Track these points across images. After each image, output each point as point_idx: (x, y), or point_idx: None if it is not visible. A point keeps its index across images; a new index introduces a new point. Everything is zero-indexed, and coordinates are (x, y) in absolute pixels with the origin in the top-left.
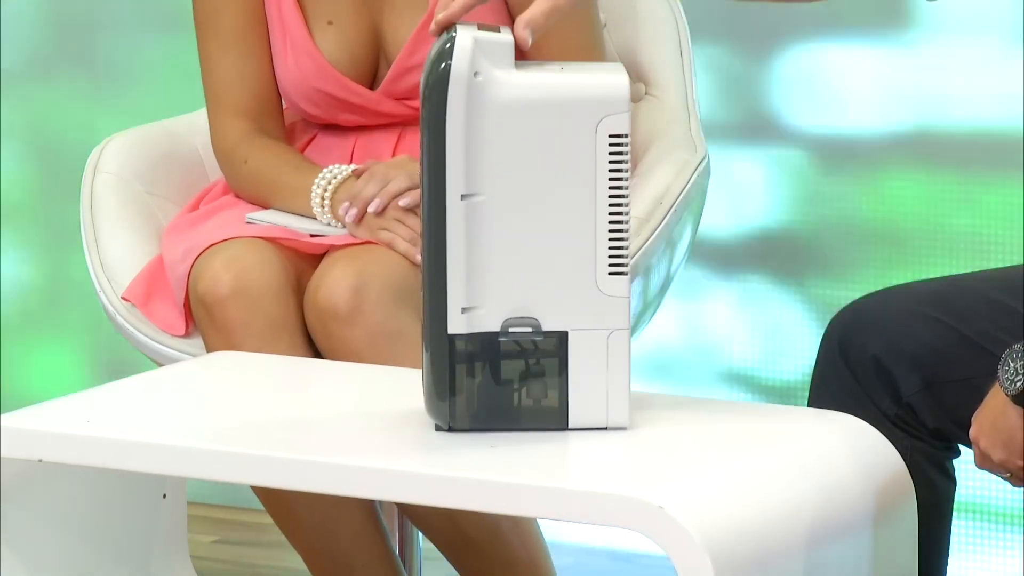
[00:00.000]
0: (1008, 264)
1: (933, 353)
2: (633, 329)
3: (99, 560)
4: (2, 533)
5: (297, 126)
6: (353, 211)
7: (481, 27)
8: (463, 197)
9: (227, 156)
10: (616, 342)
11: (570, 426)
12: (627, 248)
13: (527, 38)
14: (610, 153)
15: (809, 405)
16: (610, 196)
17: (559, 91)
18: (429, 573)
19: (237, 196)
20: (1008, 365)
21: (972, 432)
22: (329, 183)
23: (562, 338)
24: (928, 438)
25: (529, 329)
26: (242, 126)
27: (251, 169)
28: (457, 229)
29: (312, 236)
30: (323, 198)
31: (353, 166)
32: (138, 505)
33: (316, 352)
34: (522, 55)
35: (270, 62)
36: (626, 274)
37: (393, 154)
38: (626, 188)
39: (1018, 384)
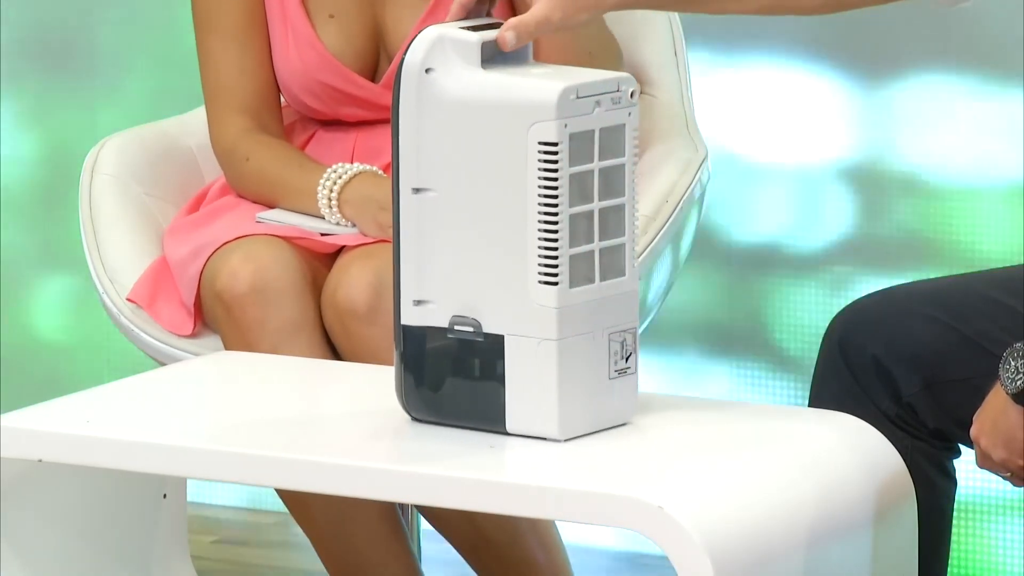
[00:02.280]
0: (1008, 264)
1: (933, 353)
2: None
3: (99, 560)
4: (2, 533)
5: (296, 125)
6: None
7: (482, 25)
8: (415, 191)
9: (228, 154)
10: (544, 352)
11: (508, 431)
12: (557, 259)
13: (507, 40)
14: (540, 161)
15: (809, 405)
16: (540, 205)
17: (493, 93)
18: (430, 574)
19: (239, 195)
20: (1009, 364)
21: (973, 431)
22: (335, 183)
23: (500, 342)
24: (928, 438)
25: (471, 329)
26: (242, 123)
27: (253, 167)
28: (409, 222)
29: (322, 235)
30: (330, 199)
31: (358, 165)
32: (138, 505)
33: (333, 350)
34: (541, 56)
35: (270, 58)
36: (556, 284)
37: None
38: (556, 198)
39: (1018, 383)
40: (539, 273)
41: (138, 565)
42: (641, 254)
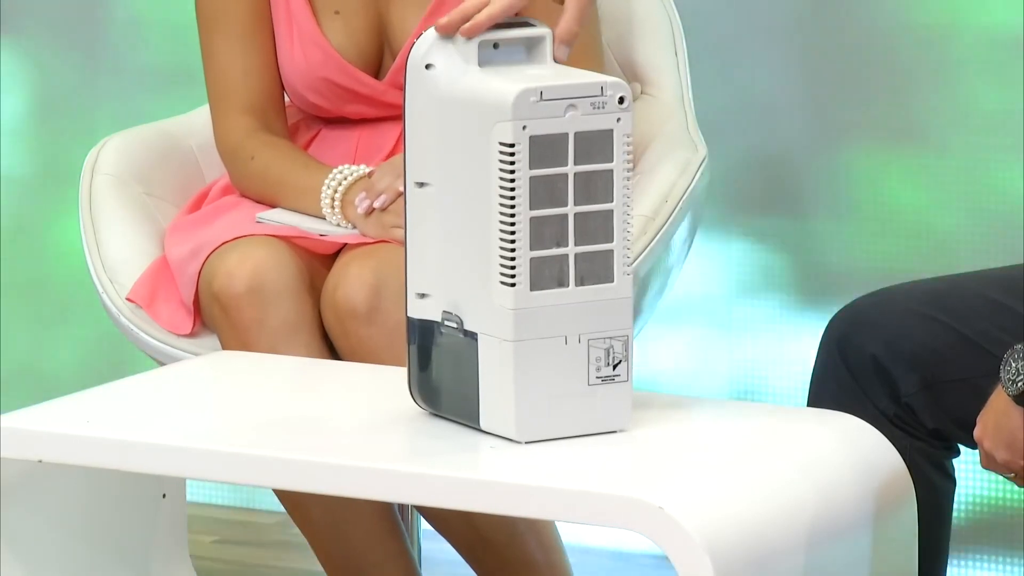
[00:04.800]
0: (1008, 264)
1: (932, 353)
2: (635, 328)
3: (99, 560)
4: (2, 533)
5: (300, 125)
6: (366, 203)
7: (506, 24)
8: (418, 185)
9: (232, 153)
10: (503, 353)
11: (482, 428)
12: (515, 260)
13: (563, 56)
14: (499, 161)
15: (808, 405)
16: (500, 205)
17: (470, 93)
18: (429, 573)
19: (242, 194)
20: (1010, 365)
21: (976, 433)
22: (340, 184)
23: (475, 339)
24: (927, 438)
25: (455, 325)
26: (247, 122)
27: (257, 166)
28: (413, 215)
29: (321, 236)
30: (333, 199)
31: (364, 167)
32: (138, 505)
33: (332, 351)
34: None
35: (275, 58)
36: (513, 286)
37: (395, 147)
38: (514, 199)
39: (1019, 384)
40: (500, 274)
41: (138, 565)
42: (640, 255)
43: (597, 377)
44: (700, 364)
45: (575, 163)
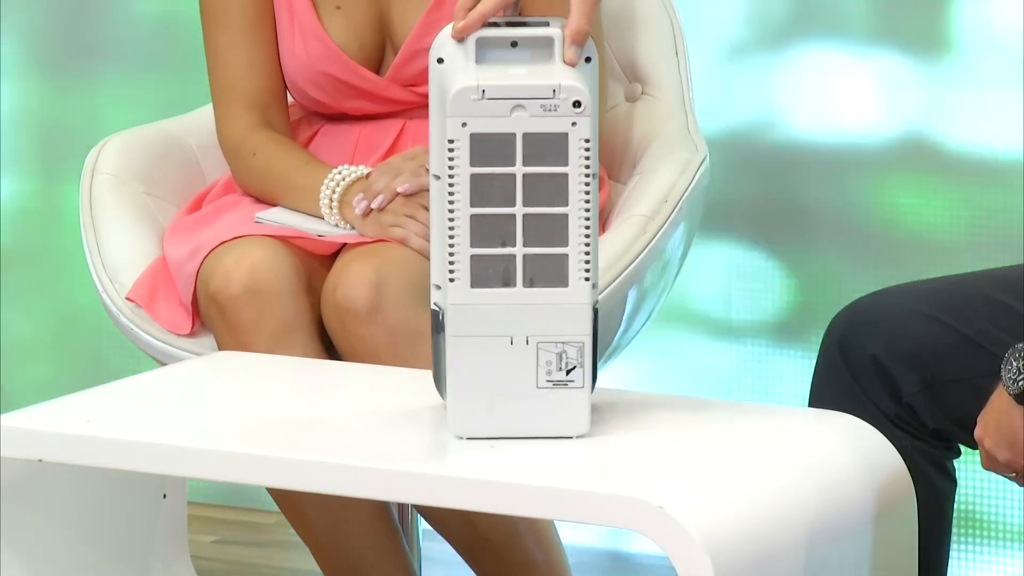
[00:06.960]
0: (1008, 264)
1: (933, 353)
2: (634, 329)
3: (99, 560)
4: (2, 533)
5: (302, 122)
6: (363, 204)
7: (515, 21)
8: (435, 177)
9: (235, 149)
10: (451, 346)
11: (448, 422)
12: (454, 256)
13: (574, 57)
14: (446, 158)
15: (809, 405)
16: (446, 200)
17: (444, 88)
18: (429, 573)
19: (244, 191)
20: (1011, 364)
21: (977, 432)
22: (339, 184)
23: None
24: (928, 438)
25: (440, 318)
26: (250, 118)
27: (260, 162)
28: (432, 206)
29: (320, 236)
30: (331, 199)
31: (363, 168)
32: (138, 505)
33: (329, 351)
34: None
35: (278, 54)
36: (452, 281)
37: (394, 144)
38: (453, 195)
39: (1020, 383)
40: (445, 270)
41: (138, 565)
42: (639, 254)
43: (548, 381)
44: (699, 364)
45: (524, 164)
